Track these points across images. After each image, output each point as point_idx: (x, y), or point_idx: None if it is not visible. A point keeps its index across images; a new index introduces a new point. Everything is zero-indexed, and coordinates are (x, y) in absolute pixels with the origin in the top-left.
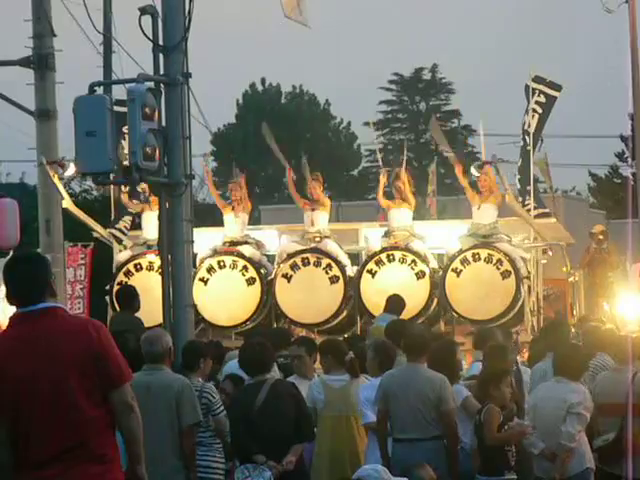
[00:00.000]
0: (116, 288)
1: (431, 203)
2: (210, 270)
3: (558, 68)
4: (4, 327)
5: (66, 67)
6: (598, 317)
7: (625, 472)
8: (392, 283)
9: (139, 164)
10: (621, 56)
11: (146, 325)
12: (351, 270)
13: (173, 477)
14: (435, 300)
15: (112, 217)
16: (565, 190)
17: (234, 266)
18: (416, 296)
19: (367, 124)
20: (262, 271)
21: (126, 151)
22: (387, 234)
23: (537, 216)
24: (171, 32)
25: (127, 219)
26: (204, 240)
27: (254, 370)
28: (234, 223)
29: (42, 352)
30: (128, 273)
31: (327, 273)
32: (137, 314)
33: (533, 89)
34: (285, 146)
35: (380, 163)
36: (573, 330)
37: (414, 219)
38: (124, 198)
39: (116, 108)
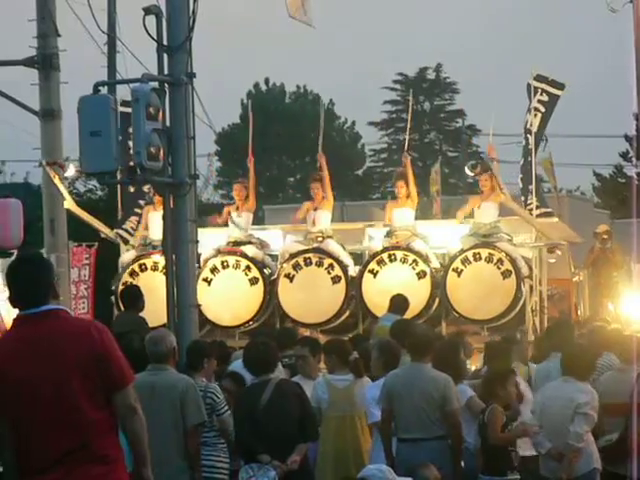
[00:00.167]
0: (120, 288)
1: (435, 203)
2: (214, 270)
3: (562, 67)
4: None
5: (70, 67)
6: (603, 317)
7: (630, 472)
8: (393, 283)
9: (143, 164)
10: (625, 56)
11: (150, 325)
12: (353, 270)
13: (178, 477)
14: (437, 300)
15: (119, 217)
16: (569, 190)
17: (237, 266)
18: (417, 296)
19: (372, 124)
20: (266, 271)
21: (132, 151)
22: (389, 234)
23: (539, 215)
24: (175, 32)
25: (134, 219)
26: (209, 240)
27: (258, 370)
28: (238, 223)
29: (44, 354)
30: (133, 273)
31: (329, 273)
32: (141, 314)
33: (535, 88)
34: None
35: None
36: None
37: (418, 219)
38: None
39: (123, 109)
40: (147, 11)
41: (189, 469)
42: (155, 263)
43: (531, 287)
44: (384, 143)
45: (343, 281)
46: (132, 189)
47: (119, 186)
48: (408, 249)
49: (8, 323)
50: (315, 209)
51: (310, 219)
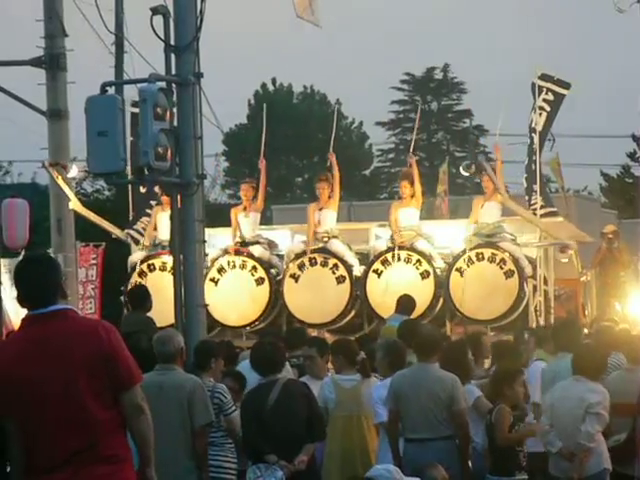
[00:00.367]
0: (128, 288)
1: (443, 203)
2: (220, 270)
3: (570, 67)
4: (17, 328)
5: (78, 67)
6: (610, 317)
7: (637, 472)
8: (397, 283)
9: (151, 164)
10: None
11: (159, 325)
12: (358, 270)
13: (185, 477)
14: (441, 300)
15: (130, 218)
16: (577, 190)
17: (244, 266)
18: (421, 296)
19: (379, 124)
20: (272, 271)
21: None
22: (395, 234)
23: (544, 215)
24: (183, 32)
25: (145, 220)
26: (218, 240)
27: (266, 370)
28: (245, 223)
29: (52, 354)
30: (142, 274)
31: (334, 273)
32: (149, 314)
33: (540, 87)
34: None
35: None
36: (585, 330)
37: (426, 219)
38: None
39: (133, 109)
40: (154, 11)
41: (196, 469)
42: (164, 263)
43: (535, 287)
44: (391, 143)
45: (348, 281)
46: (143, 190)
47: (130, 187)
48: (412, 249)
49: (16, 323)
50: (321, 209)
51: (316, 219)
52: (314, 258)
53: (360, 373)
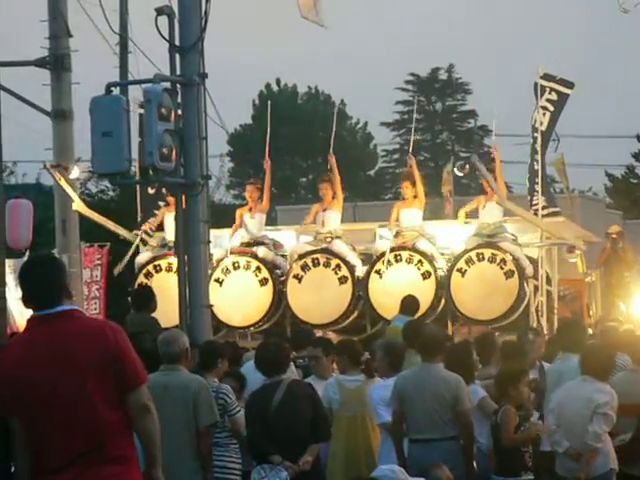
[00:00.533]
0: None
1: (448, 203)
2: (225, 271)
3: (575, 67)
4: (21, 329)
5: (82, 68)
6: (615, 317)
7: None
8: (399, 283)
9: (155, 165)
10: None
11: (164, 326)
12: (361, 270)
13: (190, 478)
14: (442, 300)
15: (139, 219)
16: (582, 190)
17: (248, 267)
18: (422, 296)
19: (384, 124)
20: (277, 272)
21: None
22: (397, 234)
23: (547, 215)
24: (187, 32)
25: (153, 220)
26: (224, 241)
27: (270, 370)
28: (251, 224)
29: (59, 355)
30: (148, 274)
31: (336, 273)
32: (154, 315)
33: (543, 87)
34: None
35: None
36: (590, 331)
37: (430, 219)
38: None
39: (141, 110)
40: (159, 11)
41: (201, 469)
42: (170, 264)
43: (536, 287)
44: (396, 144)
45: (350, 281)
46: (152, 191)
47: (138, 187)
48: (413, 249)
49: (20, 324)
50: (324, 210)
51: (319, 220)
52: (317, 259)
53: (364, 374)
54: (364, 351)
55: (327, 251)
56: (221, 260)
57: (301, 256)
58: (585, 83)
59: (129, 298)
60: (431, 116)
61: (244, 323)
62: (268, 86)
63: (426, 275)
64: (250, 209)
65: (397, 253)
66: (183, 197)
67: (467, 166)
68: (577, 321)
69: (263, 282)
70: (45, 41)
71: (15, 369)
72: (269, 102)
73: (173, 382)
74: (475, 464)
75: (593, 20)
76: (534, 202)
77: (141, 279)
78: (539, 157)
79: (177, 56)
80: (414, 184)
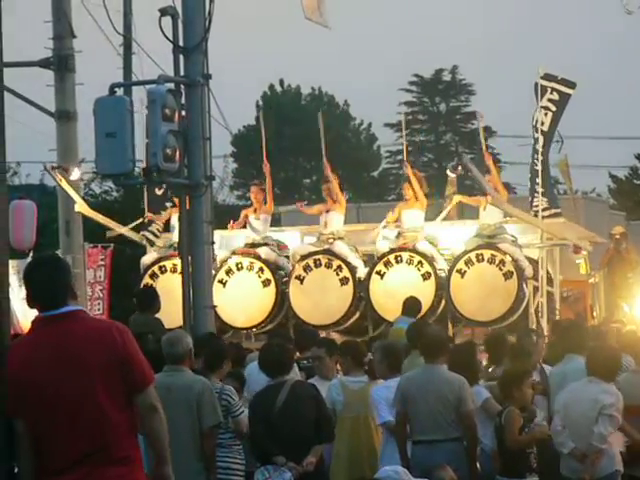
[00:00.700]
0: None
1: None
2: (228, 272)
3: (578, 69)
4: (26, 330)
5: (86, 68)
6: (618, 318)
7: None
8: (399, 284)
9: (159, 165)
10: None
11: (168, 327)
12: (363, 271)
13: (194, 478)
14: (442, 301)
15: (145, 220)
16: (585, 191)
17: (251, 268)
18: (422, 297)
19: (387, 125)
20: (280, 272)
21: None
22: (398, 235)
23: (548, 216)
24: (191, 33)
25: (160, 217)
26: (229, 241)
27: (274, 371)
28: (256, 225)
29: (64, 357)
30: (153, 275)
31: (338, 274)
32: (158, 315)
33: (543, 87)
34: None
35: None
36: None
37: (432, 220)
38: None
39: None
40: (163, 12)
41: (205, 470)
42: (175, 265)
43: (536, 288)
44: (400, 145)
45: (351, 282)
46: (159, 192)
47: (146, 188)
48: (414, 250)
49: (24, 324)
50: (327, 211)
51: (322, 221)
52: (319, 260)
53: (368, 375)
54: (368, 352)
55: (329, 252)
56: (225, 261)
57: (303, 257)
58: (589, 84)
59: (133, 299)
60: (435, 117)
61: (247, 324)
62: (272, 87)
63: (426, 276)
64: (255, 210)
65: (398, 254)
66: (187, 198)
67: (459, 167)
68: (578, 323)
69: (266, 283)
70: (49, 42)
71: (19, 370)
72: (261, 112)
73: (177, 383)
74: (479, 465)
75: (595, 20)
76: (535, 203)
77: (147, 280)
78: (540, 157)
79: (181, 57)
80: (412, 186)
